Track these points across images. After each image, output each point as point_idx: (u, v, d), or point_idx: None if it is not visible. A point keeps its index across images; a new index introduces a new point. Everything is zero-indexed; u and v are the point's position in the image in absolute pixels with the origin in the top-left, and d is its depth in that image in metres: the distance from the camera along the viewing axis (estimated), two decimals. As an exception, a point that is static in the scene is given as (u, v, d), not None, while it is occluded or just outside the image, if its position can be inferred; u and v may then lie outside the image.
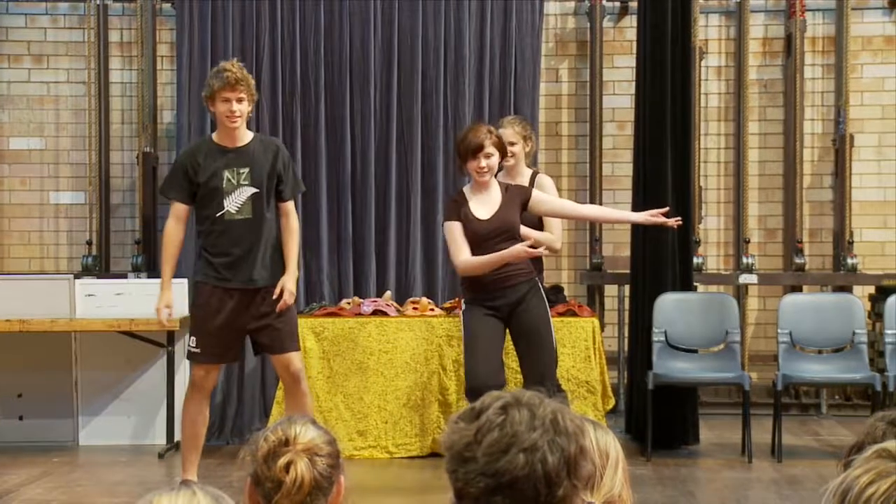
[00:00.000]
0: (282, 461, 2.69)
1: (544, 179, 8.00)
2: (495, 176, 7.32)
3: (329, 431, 2.83)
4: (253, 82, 7.21)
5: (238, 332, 7.21)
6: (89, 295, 9.05)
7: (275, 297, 7.12)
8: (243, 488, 2.76)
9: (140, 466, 7.52)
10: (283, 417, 2.83)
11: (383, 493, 7.54)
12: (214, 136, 7.26)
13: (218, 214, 7.11)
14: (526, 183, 7.75)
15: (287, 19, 9.77)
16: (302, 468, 2.68)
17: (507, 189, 7.28)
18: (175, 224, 7.22)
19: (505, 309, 7.14)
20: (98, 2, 10.53)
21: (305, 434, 2.73)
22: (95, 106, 10.53)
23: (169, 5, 10.47)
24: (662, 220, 7.37)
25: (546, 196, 7.50)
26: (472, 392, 6.86)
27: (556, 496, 2.09)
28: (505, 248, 7.02)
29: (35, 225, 10.75)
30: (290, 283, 7.21)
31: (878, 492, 1.93)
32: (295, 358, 7.26)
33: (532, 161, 8.43)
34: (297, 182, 7.44)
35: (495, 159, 7.18)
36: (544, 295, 7.33)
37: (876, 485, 1.94)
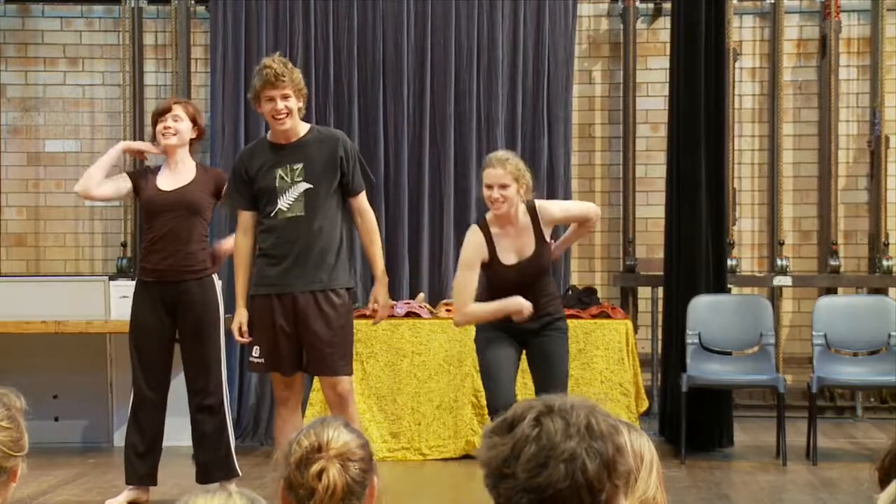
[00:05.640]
0: (314, 468, 2.67)
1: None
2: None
3: (362, 434, 2.82)
4: (298, 75, 6.55)
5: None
6: (124, 297, 9.06)
7: (369, 312, 6.54)
8: (277, 491, 2.76)
9: (174, 467, 7.53)
10: (315, 419, 2.82)
11: (416, 495, 7.54)
12: (269, 134, 6.65)
13: (272, 214, 6.51)
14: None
15: (321, 21, 9.79)
16: (334, 475, 2.67)
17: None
18: (241, 235, 6.61)
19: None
20: (133, 5, 10.57)
21: (338, 438, 2.72)
22: (130, 108, 10.57)
23: (203, 8, 10.51)
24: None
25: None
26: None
27: (600, 501, 2.07)
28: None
29: (70, 227, 10.80)
30: (379, 293, 6.65)
31: None
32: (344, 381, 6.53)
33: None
34: (365, 174, 6.69)
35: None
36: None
37: None
